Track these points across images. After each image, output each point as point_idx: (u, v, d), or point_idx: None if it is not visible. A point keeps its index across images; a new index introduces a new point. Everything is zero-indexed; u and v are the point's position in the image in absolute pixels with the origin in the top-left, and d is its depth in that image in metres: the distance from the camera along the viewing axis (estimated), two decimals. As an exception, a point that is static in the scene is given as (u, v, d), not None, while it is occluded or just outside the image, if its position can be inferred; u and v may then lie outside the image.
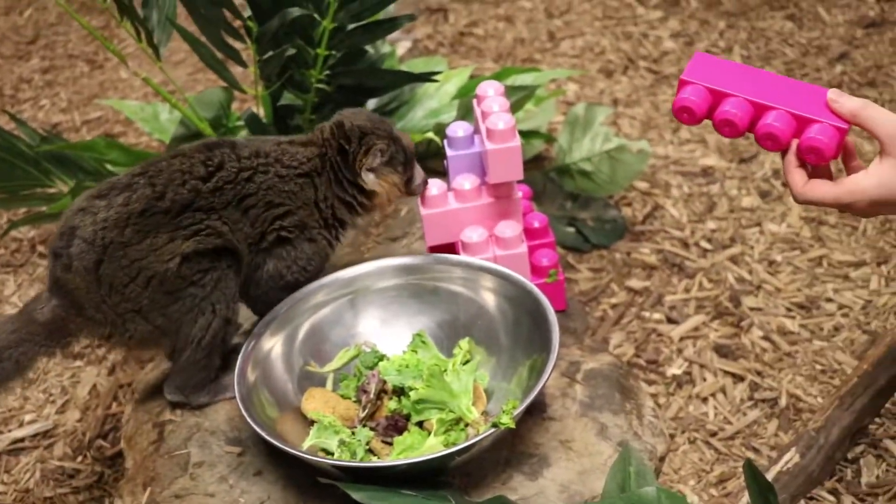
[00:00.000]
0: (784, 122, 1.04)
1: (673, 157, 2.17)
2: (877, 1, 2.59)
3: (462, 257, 1.37)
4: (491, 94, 1.43)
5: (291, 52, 1.56)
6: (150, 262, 1.24)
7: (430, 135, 1.70)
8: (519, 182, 1.43)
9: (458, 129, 1.42)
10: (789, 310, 1.78)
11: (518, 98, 1.75)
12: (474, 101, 1.44)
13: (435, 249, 1.47)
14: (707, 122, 1.10)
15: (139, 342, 1.30)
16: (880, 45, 2.43)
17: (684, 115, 1.08)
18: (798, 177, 1.06)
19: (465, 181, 1.43)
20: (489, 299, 1.32)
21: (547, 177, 2.00)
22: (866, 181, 1.02)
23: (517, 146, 1.36)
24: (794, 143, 1.06)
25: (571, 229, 1.94)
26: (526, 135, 1.99)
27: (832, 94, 1.04)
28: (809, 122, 1.04)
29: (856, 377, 1.41)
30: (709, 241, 1.94)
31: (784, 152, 1.07)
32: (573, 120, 2.00)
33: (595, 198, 1.99)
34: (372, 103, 1.79)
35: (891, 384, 1.41)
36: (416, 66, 2.05)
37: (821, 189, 1.04)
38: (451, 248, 1.46)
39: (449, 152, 1.43)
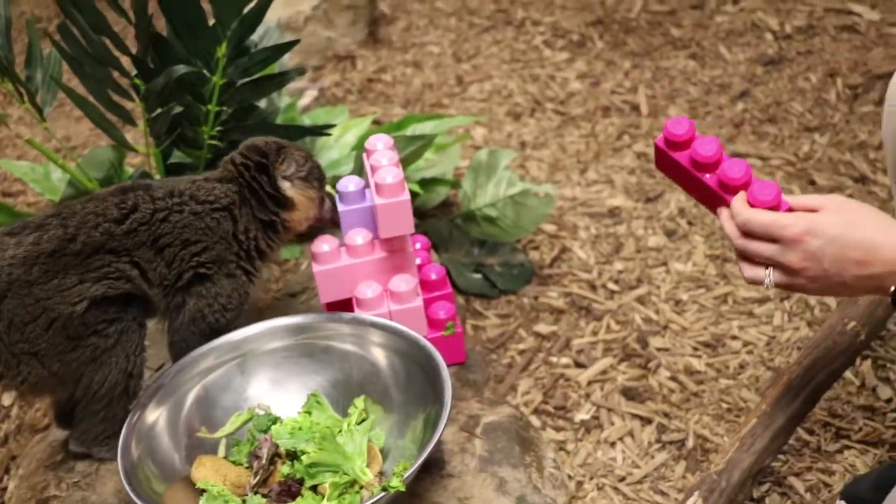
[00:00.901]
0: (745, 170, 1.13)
1: (580, 199, 2.17)
2: (775, 39, 2.64)
3: (352, 314, 1.35)
4: (380, 147, 1.42)
5: (179, 109, 1.53)
6: (55, 303, 1.22)
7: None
8: (420, 232, 1.42)
9: (349, 184, 1.41)
10: (696, 349, 1.79)
11: (416, 147, 1.74)
12: (364, 156, 1.43)
13: (331, 306, 1.45)
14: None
15: (32, 387, 1.27)
16: (779, 82, 2.47)
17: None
18: (740, 203, 1.11)
19: (358, 236, 1.41)
20: (380, 355, 1.30)
21: (453, 224, 1.99)
22: (803, 214, 1.07)
23: (406, 200, 1.35)
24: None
25: (478, 276, 1.93)
26: (430, 182, 1.98)
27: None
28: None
29: (755, 418, 1.41)
30: (616, 282, 1.95)
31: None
32: (477, 166, 2.00)
33: (502, 243, 1.99)
34: (268, 157, 1.76)
35: (790, 423, 1.42)
36: (318, 116, 2.04)
37: (760, 213, 1.09)
38: (347, 303, 1.44)
39: (341, 207, 1.42)
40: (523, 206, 1.97)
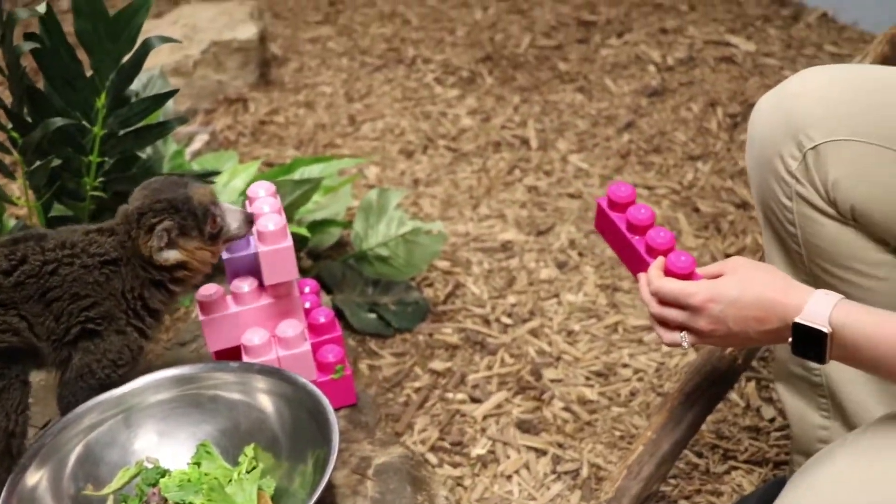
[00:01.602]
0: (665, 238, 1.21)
1: (473, 234, 2.20)
2: (658, 71, 2.72)
3: (238, 362, 1.34)
4: (262, 194, 1.42)
5: (58, 161, 1.52)
6: None
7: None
8: (313, 274, 1.43)
9: (233, 232, 1.41)
10: (588, 378, 1.82)
11: (304, 191, 1.75)
12: (246, 203, 1.43)
13: (220, 353, 1.45)
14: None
15: None
16: (663, 113, 2.54)
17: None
18: (655, 273, 1.17)
19: (244, 283, 1.41)
20: (267, 402, 1.30)
21: (346, 264, 1.99)
22: (705, 282, 1.13)
23: (289, 247, 1.35)
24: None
25: (373, 315, 1.94)
26: (322, 224, 1.99)
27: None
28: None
29: (641, 445, 1.44)
30: (509, 316, 1.97)
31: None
32: (367, 206, 2.01)
33: (396, 281, 2.00)
34: (154, 206, 1.75)
35: (675, 448, 1.45)
36: (207, 161, 2.03)
37: (669, 282, 1.14)
38: (236, 351, 1.44)
39: (225, 255, 1.41)
40: (415, 245, 1.99)
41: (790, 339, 1.06)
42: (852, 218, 1.23)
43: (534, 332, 1.93)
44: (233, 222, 1.32)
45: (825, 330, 1.02)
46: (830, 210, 1.24)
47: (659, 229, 1.20)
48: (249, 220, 1.33)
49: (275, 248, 1.35)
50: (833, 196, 1.22)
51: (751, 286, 1.10)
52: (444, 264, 2.12)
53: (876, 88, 1.24)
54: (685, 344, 1.16)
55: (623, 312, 1.95)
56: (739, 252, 2.05)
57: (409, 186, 2.38)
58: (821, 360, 1.04)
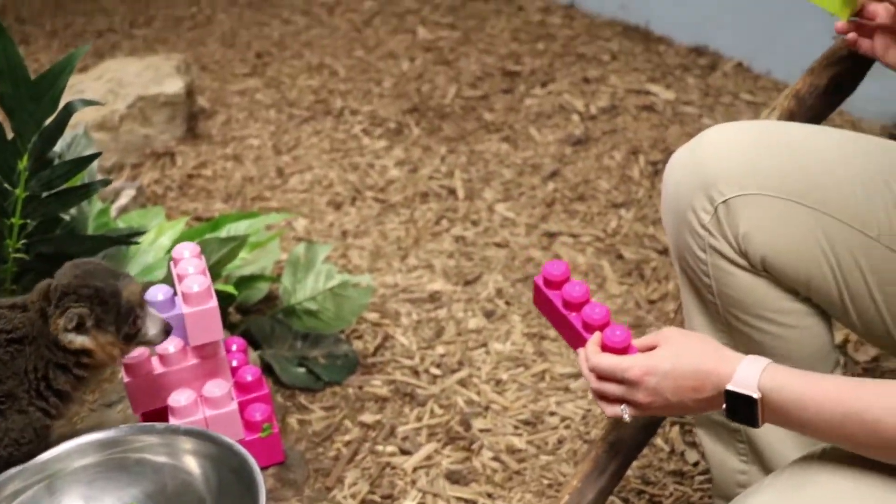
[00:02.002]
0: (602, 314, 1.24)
1: (402, 285, 2.22)
2: (581, 120, 2.77)
3: (164, 424, 1.34)
4: (186, 255, 1.43)
5: (-22, 226, 1.51)
6: None
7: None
8: (242, 330, 1.43)
9: (158, 293, 1.41)
10: (516, 427, 1.84)
11: (230, 249, 1.76)
12: (171, 264, 1.43)
13: (147, 415, 1.44)
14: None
15: None
16: (587, 161, 2.59)
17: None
18: (592, 348, 1.20)
19: (169, 344, 1.41)
20: (193, 464, 1.29)
21: (275, 319, 2.00)
22: (639, 356, 1.16)
23: (213, 308, 1.36)
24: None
25: (302, 369, 1.95)
26: (250, 280, 1.99)
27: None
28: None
29: (567, 494, 1.46)
30: (438, 366, 1.99)
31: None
32: (295, 261, 2.02)
33: (325, 335, 2.01)
34: (79, 266, 1.74)
35: (600, 496, 1.47)
36: (133, 219, 2.03)
37: (606, 358, 1.17)
38: (163, 412, 1.43)
39: (150, 316, 1.41)
40: (343, 298, 2.00)
41: (724, 406, 1.09)
42: (763, 269, 1.28)
43: (462, 383, 1.95)
44: (151, 329, 1.29)
45: (755, 395, 1.05)
46: (742, 262, 1.28)
47: (594, 305, 1.23)
48: (168, 330, 1.31)
49: (199, 309, 1.35)
50: (744, 248, 1.27)
51: (684, 357, 1.13)
52: (373, 316, 2.13)
53: (781, 144, 1.29)
54: (626, 417, 1.18)
55: (550, 360, 1.98)
56: (662, 298, 2.10)
57: (337, 238, 2.40)
58: (754, 424, 1.07)
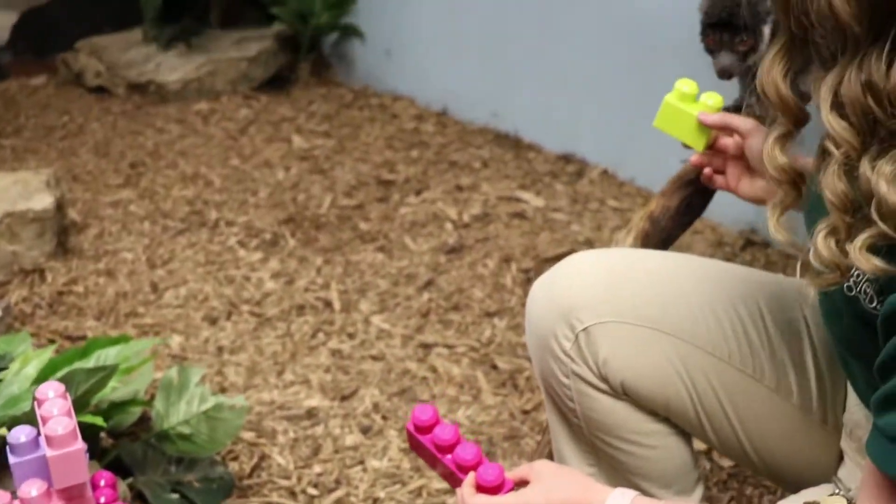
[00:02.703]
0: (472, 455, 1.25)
1: (278, 402, 2.21)
2: (455, 228, 2.83)
3: (28, 575, 1.30)
4: (51, 396, 1.40)
5: None
6: None
7: (4, 431, 1.63)
8: (113, 456, 1.40)
9: (21, 435, 1.38)
10: (395, 547, 1.84)
11: (99, 379, 1.73)
12: (35, 405, 1.40)
13: (9, 560, 1.40)
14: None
15: None
16: (461, 270, 2.64)
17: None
18: (468, 490, 1.21)
19: (32, 487, 1.37)
20: None
21: (148, 444, 1.96)
22: (512, 494, 1.18)
23: (79, 450, 1.33)
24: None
25: (175, 495, 1.91)
26: (121, 405, 1.96)
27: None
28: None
29: None
30: (315, 486, 1.98)
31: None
32: (167, 384, 2.00)
33: (200, 458, 1.98)
34: (-61, 402, 1.70)
35: None
36: (-2, 345, 1.98)
37: (482, 499, 1.19)
38: (26, 556, 1.39)
39: (12, 459, 1.38)
40: (218, 420, 1.98)
41: None
42: (623, 392, 1.33)
43: (340, 502, 1.94)
44: None
45: None
46: (603, 386, 1.33)
47: (466, 445, 1.26)
48: None
49: (64, 451, 1.32)
50: (605, 373, 1.32)
51: (555, 492, 1.16)
52: (249, 435, 2.11)
53: (636, 272, 1.36)
54: None
55: (427, 476, 1.99)
56: (535, 408, 2.14)
57: (213, 355, 2.38)
58: None
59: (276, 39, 4.04)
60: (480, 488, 1.22)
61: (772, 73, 1.00)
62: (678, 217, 1.67)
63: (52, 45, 4.12)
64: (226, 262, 2.75)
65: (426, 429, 1.29)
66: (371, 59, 3.87)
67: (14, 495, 1.39)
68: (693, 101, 1.51)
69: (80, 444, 1.34)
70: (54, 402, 1.39)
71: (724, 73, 1.57)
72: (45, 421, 1.36)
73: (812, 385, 1.30)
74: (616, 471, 1.40)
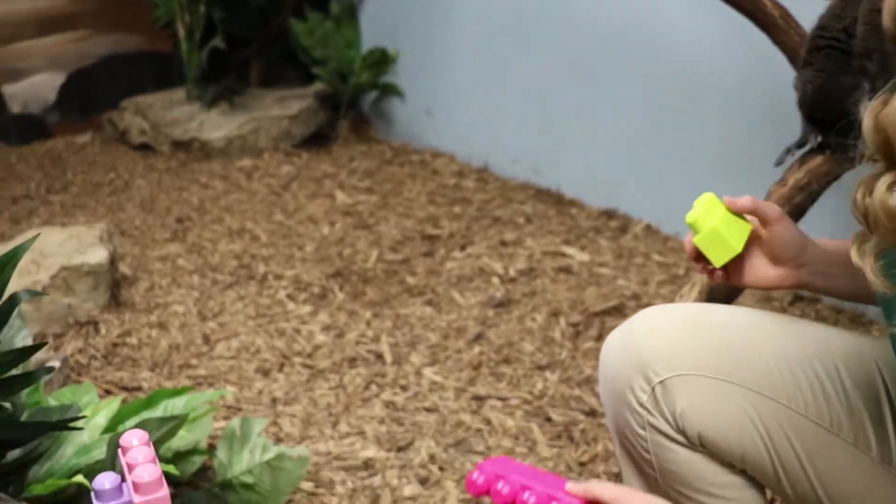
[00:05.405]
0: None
1: (335, 453, 2.23)
2: (501, 282, 2.87)
3: None
4: (135, 443, 1.43)
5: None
6: None
7: (80, 478, 1.66)
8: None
9: (105, 482, 1.41)
10: None
11: (170, 427, 1.76)
12: (119, 452, 1.43)
13: None
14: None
15: None
16: (510, 324, 2.67)
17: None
18: None
19: (117, 533, 1.40)
20: None
21: (211, 493, 1.99)
22: None
23: (165, 496, 1.36)
24: None
25: (239, 546, 1.93)
26: (185, 454, 1.99)
27: (568, 485, 1.20)
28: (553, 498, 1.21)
29: None
30: (375, 537, 2.00)
31: None
32: (230, 435, 2.03)
33: (261, 508, 2.00)
34: (16, 451, 1.73)
35: None
36: (63, 395, 2.01)
37: None
38: None
39: (97, 505, 1.41)
40: (279, 470, 2.00)
41: None
42: (700, 444, 1.35)
43: (401, 553, 1.95)
44: None
45: None
46: (680, 438, 1.35)
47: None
48: None
49: (152, 497, 1.35)
50: (682, 425, 1.34)
51: None
52: (308, 485, 2.13)
53: (709, 325, 1.38)
54: None
55: (486, 528, 2.00)
56: (592, 460, 2.15)
57: (267, 406, 2.40)
58: None
59: (316, 98, 4.12)
60: None
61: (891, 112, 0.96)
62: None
63: (98, 104, 4.22)
64: (276, 315, 2.79)
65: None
66: (411, 116, 3.94)
67: (98, 542, 1.41)
68: (721, 207, 1.41)
69: (165, 491, 1.37)
70: (139, 449, 1.42)
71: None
72: (130, 468, 1.39)
73: (891, 438, 1.32)
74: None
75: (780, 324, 1.41)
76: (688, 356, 1.34)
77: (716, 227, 1.37)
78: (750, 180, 2.09)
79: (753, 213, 1.42)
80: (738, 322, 1.39)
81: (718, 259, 1.40)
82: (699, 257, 1.43)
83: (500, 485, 1.28)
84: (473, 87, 3.64)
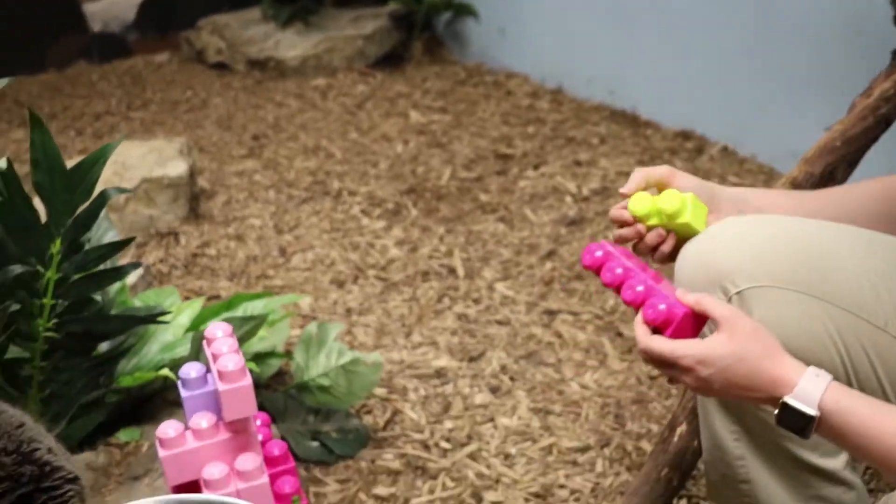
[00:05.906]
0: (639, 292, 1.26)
1: (407, 362, 2.28)
2: (574, 201, 2.87)
3: (200, 495, 1.38)
4: (220, 335, 1.48)
5: (16, 307, 1.56)
6: None
7: (166, 371, 1.73)
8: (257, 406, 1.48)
9: (192, 371, 1.46)
10: (527, 500, 1.89)
11: (251, 327, 1.81)
12: (204, 343, 1.49)
13: (178, 487, 1.48)
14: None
15: None
16: (582, 241, 2.68)
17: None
18: (641, 330, 1.22)
19: (202, 420, 1.46)
20: (231, 537, 1.33)
21: (288, 395, 2.05)
22: (696, 344, 1.18)
23: (248, 385, 1.41)
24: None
25: (315, 443, 1.99)
26: (264, 356, 2.05)
27: (679, 292, 1.24)
28: (654, 296, 1.25)
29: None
30: (448, 440, 2.04)
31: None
32: (307, 338, 2.08)
33: (336, 410, 2.05)
34: (105, 345, 1.80)
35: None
36: (148, 297, 2.08)
37: (657, 342, 1.20)
38: (194, 484, 1.47)
39: (184, 393, 1.46)
40: (354, 374, 2.05)
41: (776, 411, 1.15)
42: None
43: (472, 456, 2.00)
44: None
45: (814, 413, 1.11)
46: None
47: (629, 284, 1.27)
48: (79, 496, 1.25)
49: (235, 386, 1.40)
50: None
51: (744, 358, 1.17)
52: (381, 391, 2.18)
53: (791, 238, 1.36)
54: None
55: (556, 434, 2.03)
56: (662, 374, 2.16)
57: (342, 315, 2.45)
58: (804, 436, 1.12)
59: (390, 18, 4.11)
60: (650, 325, 1.22)
61: None
62: (821, 185, 1.67)
63: (175, 23, 4.26)
64: (350, 230, 2.83)
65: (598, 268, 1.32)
66: (485, 37, 3.92)
67: (185, 427, 1.47)
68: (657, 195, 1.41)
69: (248, 380, 1.41)
70: (224, 340, 1.47)
71: None
72: (215, 358, 1.44)
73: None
74: (763, 432, 1.41)
75: (864, 238, 1.39)
76: (766, 267, 1.32)
77: (688, 222, 1.36)
78: (831, 95, 2.05)
79: (647, 185, 1.43)
80: (819, 234, 1.37)
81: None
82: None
83: (615, 265, 1.31)
84: (548, 7, 3.61)
